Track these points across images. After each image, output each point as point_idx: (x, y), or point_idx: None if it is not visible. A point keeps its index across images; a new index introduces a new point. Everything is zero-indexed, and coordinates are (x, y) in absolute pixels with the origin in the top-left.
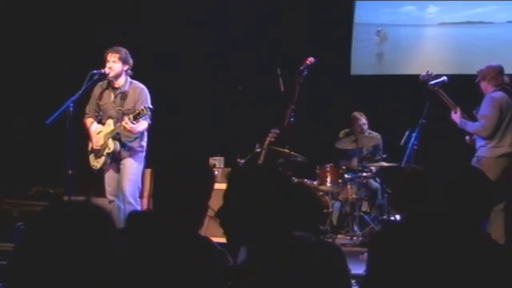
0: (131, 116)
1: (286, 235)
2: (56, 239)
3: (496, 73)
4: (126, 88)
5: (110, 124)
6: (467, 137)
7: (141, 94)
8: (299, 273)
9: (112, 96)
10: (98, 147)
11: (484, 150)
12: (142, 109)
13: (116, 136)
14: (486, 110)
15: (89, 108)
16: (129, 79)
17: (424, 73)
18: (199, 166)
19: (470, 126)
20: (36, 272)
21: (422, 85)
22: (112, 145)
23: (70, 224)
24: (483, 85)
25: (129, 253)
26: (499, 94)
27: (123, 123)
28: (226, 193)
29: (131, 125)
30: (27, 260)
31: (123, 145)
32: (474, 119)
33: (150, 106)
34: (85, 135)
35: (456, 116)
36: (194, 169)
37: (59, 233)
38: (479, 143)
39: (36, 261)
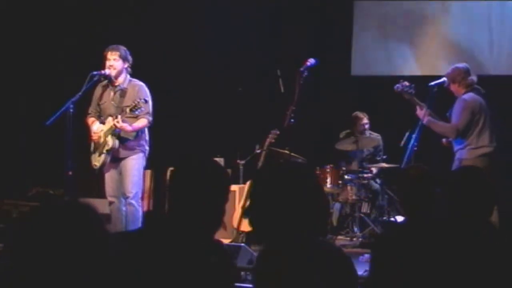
0: (127, 109)
1: (315, 239)
2: (43, 239)
3: (464, 74)
4: (125, 85)
5: (109, 122)
6: (443, 140)
7: (140, 91)
8: (323, 278)
9: (112, 94)
10: (97, 142)
11: (463, 152)
12: (138, 102)
13: (115, 133)
14: (456, 114)
15: (91, 109)
16: (128, 76)
17: (398, 84)
18: (217, 169)
19: (440, 126)
20: (24, 272)
21: (421, 86)
22: (110, 142)
23: (57, 224)
24: (454, 88)
25: (145, 253)
26: (470, 96)
27: (114, 122)
28: (253, 191)
29: (122, 124)
30: (15, 260)
31: (122, 141)
32: (447, 121)
33: (146, 98)
34: (85, 136)
35: (421, 113)
36: (212, 173)
37: (45, 233)
38: (457, 146)
39: (23, 261)
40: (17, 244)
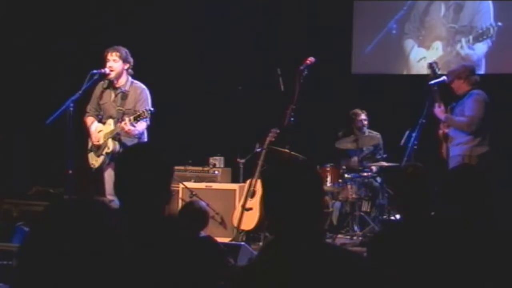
0: (131, 117)
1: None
2: (60, 237)
3: (470, 72)
4: (127, 88)
5: (110, 124)
6: (440, 131)
7: (141, 95)
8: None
9: (113, 96)
10: (97, 144)
11: (465, 148)
12: (143, 111)
13: (116, 136)
14: (470, 107)
15: (90, 107)
16: (130, 78)
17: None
18: (149, 154)
19: (457, 121)
20: (42, 272)
21: (421, 85)
22: (111, 145)
23: (74, 222)
24: (458, 84)
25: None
26: (481, 92)
27: (122, 124)
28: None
29: (130, 127)
30: (32, 260)
31: (123, 145)
32: None
33: (151, 109)
34: (85, 135)
35: (440, 111)
36: (144, 158)
37: (62, 232)
38: (460, 139)
39: (41, 260)
40: (34, 244)
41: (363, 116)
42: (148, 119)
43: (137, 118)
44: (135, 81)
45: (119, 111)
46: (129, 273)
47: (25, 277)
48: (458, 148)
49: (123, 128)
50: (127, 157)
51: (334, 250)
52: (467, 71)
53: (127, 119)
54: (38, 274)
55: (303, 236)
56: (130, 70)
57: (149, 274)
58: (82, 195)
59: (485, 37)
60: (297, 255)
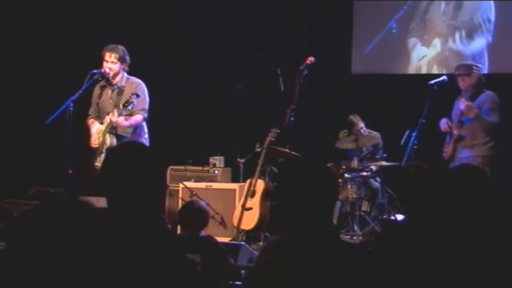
0: (120, 105)
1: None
2: (45, 238)
3: (480, 71)
4: (123, 83)
5: (107, 120)
6: (455, 132)
7: (137, 89)
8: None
9: (110, 93)
10: (97, 146)
11: (484, 149)
12: (130, 97)
13: (112, 131)
14: (493, 111)
15: (91, 110)
16: (125, 75)
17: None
18: (139, 153)
19: (485, 120)
20: (26, 272)
21: (421, 85)
22: (108, 141)
23: (59, 223)
24: (472, 79)
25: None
26: (495, 94)
27: (110, 115)
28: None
29: (117, 118)
30: (17, 260)
31: (120, 138)
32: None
33: (138, 93)
34: (86, 135)
35: (468, 106)
36: (135, 157)
37: (47, 232)
38: (476, 141)
39: (26, 261)
40: (17, 244)
41: (360, 125)
42: (144, 111)
43: (125, 105)
44: (131, 77)
45: (116, 106)
46: (118, 274)
47: (9, 278)
48: (474, 149)
49: (111, 120)
50: (113, 156)
51: (347, 248)
52: (479, 69)
53: (115, 110)
54: (20, 275)
55: (316, 234)
56: (126, 68)
57: (144, 275)
58: (70, 195)
59: (478, 31)
60: (309, 254)
